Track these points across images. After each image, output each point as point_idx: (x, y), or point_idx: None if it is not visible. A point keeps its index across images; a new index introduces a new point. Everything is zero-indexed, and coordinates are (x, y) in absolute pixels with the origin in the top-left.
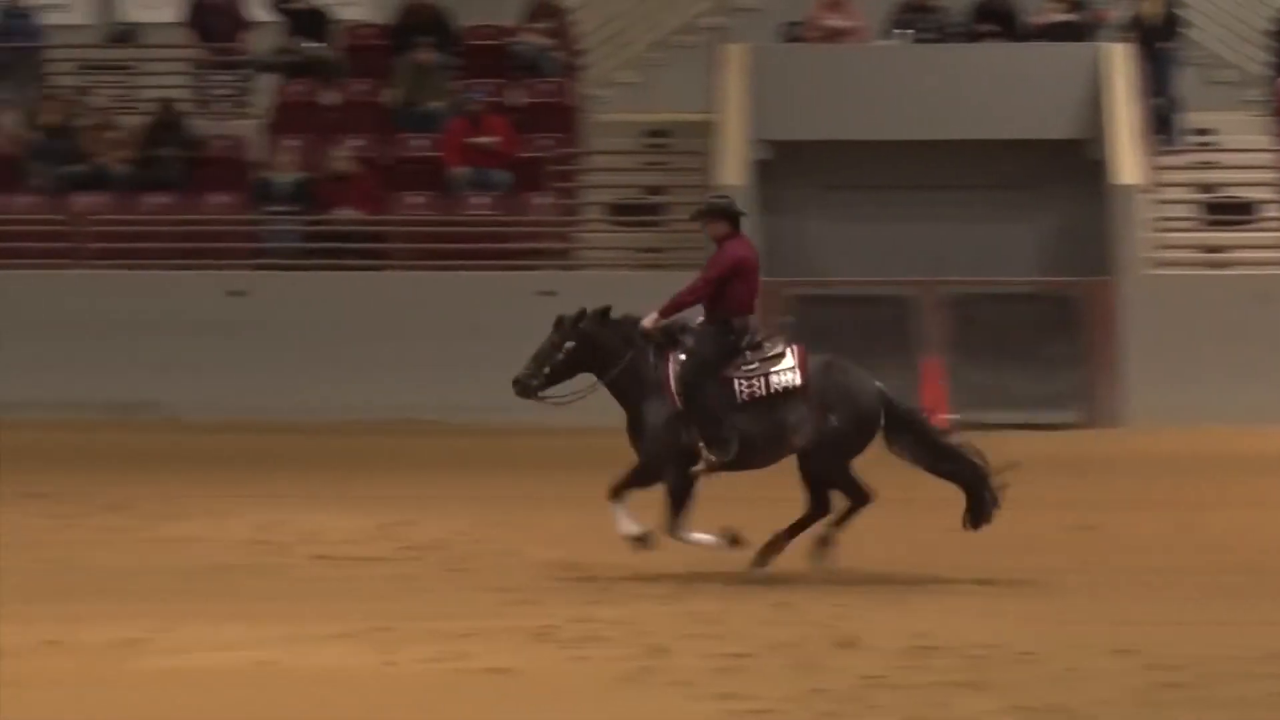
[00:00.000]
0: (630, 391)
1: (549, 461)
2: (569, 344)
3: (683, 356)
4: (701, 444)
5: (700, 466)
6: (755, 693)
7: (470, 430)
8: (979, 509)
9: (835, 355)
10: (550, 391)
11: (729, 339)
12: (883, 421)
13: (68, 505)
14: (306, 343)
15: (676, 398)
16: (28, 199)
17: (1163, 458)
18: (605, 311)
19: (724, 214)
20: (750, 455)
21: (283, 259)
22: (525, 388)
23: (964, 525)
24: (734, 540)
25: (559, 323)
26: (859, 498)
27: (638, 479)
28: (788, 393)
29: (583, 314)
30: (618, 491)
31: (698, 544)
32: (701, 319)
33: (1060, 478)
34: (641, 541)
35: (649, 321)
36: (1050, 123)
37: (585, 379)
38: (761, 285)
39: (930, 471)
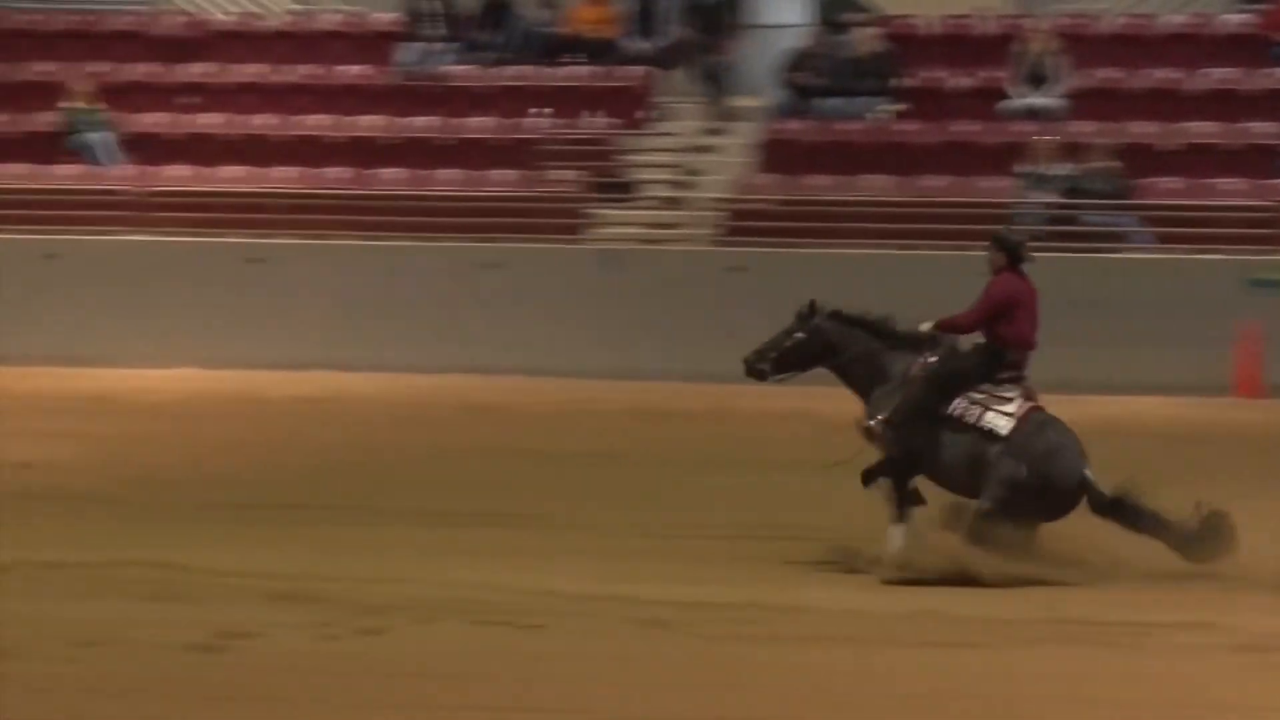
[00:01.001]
0: (864, 384)
1: None
2: (798, 335)
3: (933, 359)
4: (881, 418)
5: (867, 424)
6: None
7: None
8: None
9: (1063, 423)
10: (780, 377)
11: (993, 366)
12: (1083, 502)
13: None
14: None
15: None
16: None
17: None
18: (839, 313)
19: (1004, 247)
20: (935, 468)
21: None
22: (750, 369)
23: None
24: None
25: (798, 313)
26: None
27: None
28: (991, 435)
29: (814, 308)
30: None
31: (891, 539)
32: (978, 342)
33: None
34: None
35: (925, 327)
36: None
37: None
38: (1039, 321)
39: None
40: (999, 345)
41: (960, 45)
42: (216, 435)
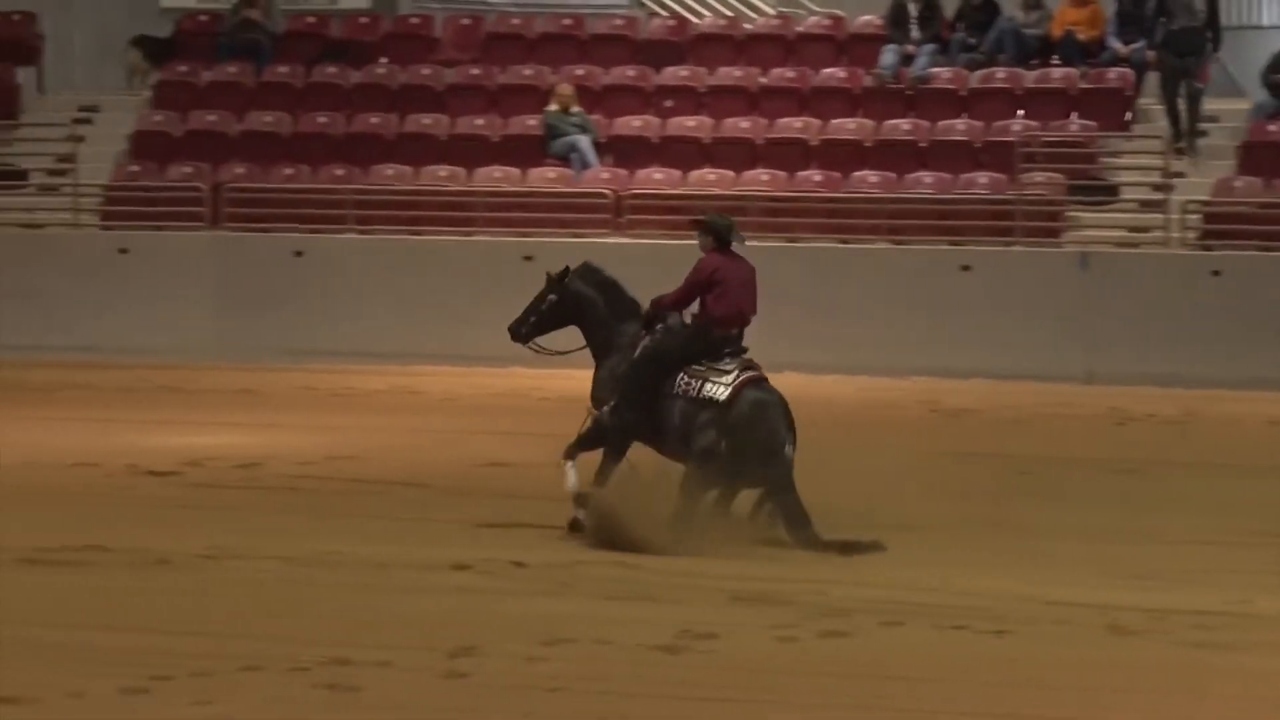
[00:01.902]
0: (601, 352)
1: None
2: (552, 297)
3: (653, 337)
4: (608, 409)
5: (596, 413)
6: None
7: None
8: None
9: (778, 395)
10: (540, 341)
11: (700, 344)
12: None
13: None
14: None
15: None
16: None
17: None
18: (588, 269)
19: (709, 230)
20: (659, 439)
21: None
22: (514, 334)
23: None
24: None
25: (548, 277)
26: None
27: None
28: (708, 403)
29: (566, 271)
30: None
31: (566, 476)
32: (689, 319)
33: None
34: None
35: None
36: None
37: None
38: (753, 299)
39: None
40: (707, 321)
41: None
42: None
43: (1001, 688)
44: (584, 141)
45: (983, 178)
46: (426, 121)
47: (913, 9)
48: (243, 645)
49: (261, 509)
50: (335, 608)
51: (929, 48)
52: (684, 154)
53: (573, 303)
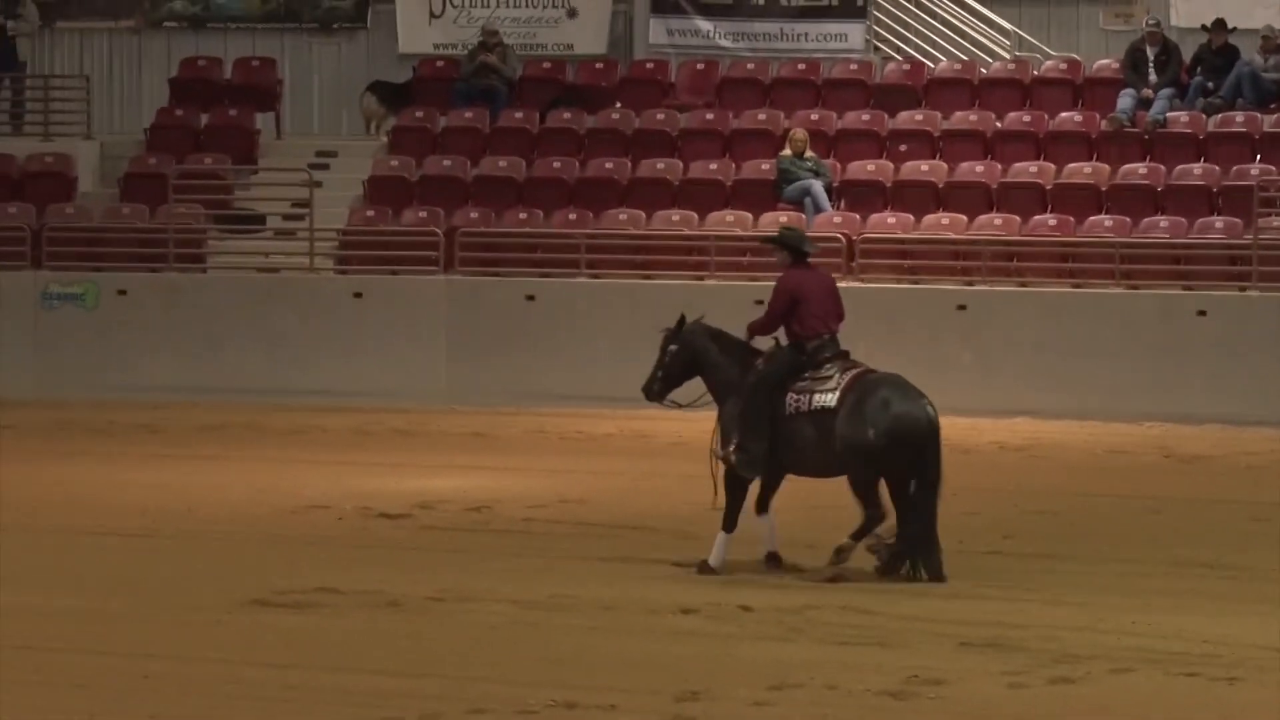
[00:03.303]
0: (720, 396)
1: None
2: (672, 348)
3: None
4: (732, 447)
5: (729, 459)
6: None
7: None
8: (908, 562)
9: (896, 376)
10: (671, 395)
11: (800, 359)
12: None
13: None
14: None
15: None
16: None
17: None
18: (698, 324)
19: (783, 245)
20: (798, 461)
21: None
22: (648, 394)
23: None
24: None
25: (666, 332)
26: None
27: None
28: (825, 411)
29: (683, 321)
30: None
31: (717, 546)
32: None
33: None
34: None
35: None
36: None
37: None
38: (836, 307)
39: (904, 504)
40: (796, 337)
41: None
42: None
43: None
44: (817, 186)
45: (1219, 222)
46: (660, 166)
47: (1150, 53)
48: (471, 687)
49: (492, 552)
50: (563, 650)
51: (1166, 92)
52: (918, 198)
53: (690, 352)
